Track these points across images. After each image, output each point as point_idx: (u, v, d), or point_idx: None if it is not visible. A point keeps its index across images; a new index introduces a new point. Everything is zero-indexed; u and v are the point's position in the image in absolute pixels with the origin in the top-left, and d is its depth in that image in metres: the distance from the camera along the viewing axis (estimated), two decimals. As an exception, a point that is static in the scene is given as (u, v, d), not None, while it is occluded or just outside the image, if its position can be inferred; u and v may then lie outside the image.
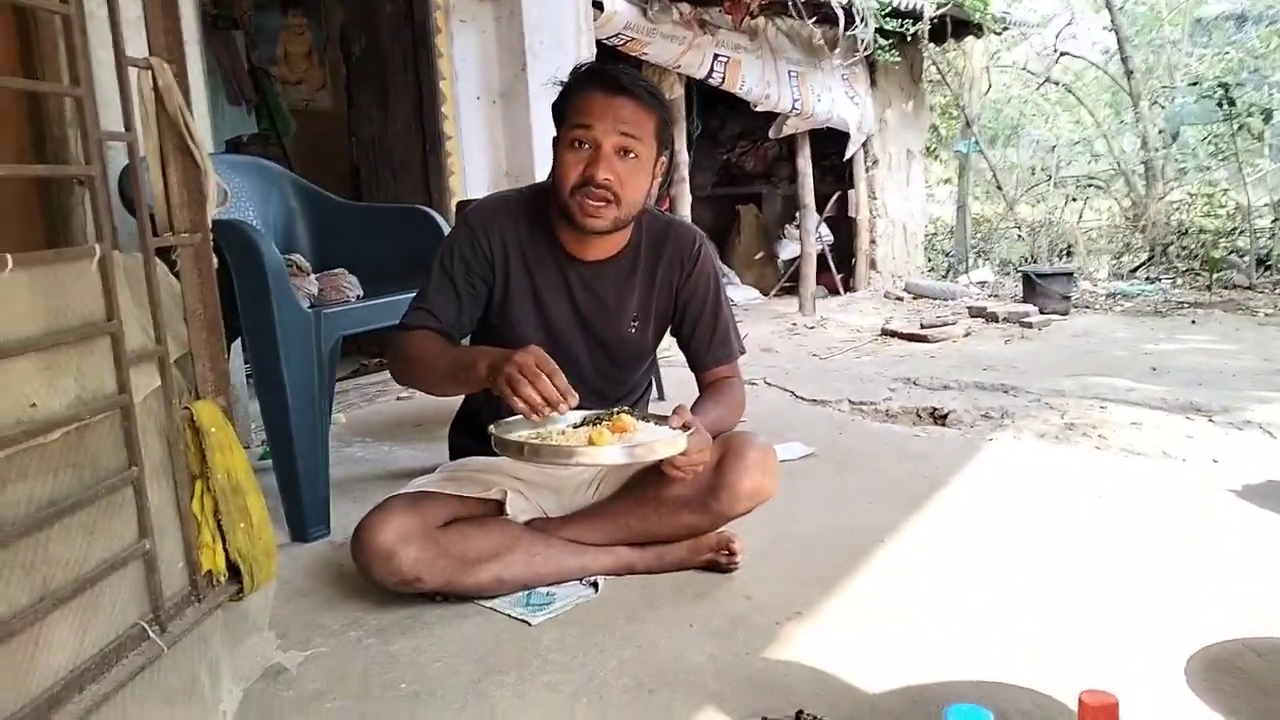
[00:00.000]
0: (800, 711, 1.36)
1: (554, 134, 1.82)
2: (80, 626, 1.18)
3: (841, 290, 7.69)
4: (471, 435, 2.02)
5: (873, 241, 7.81)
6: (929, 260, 9.02)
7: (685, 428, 1.65)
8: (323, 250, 2.85)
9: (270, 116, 6.06)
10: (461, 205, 2.47)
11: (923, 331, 5.50)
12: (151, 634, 1.28)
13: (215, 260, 1.51)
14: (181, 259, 1.46)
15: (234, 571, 1.45)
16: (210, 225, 1.50)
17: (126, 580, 1.28)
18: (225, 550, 1.43)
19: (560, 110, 1.80)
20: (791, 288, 7.34)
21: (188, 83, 1.47)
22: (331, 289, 2.47)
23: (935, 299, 7.31)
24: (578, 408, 1.79)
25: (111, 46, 1.29)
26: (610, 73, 1.78)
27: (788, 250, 7.66)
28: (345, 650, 1.65)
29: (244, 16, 5.94)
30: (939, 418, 3.35)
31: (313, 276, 2.47)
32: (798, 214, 7.08)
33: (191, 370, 1.46)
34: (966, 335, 5.59)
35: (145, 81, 1.41)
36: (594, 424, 1.67)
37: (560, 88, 1.82)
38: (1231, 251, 7.90)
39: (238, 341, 2.49)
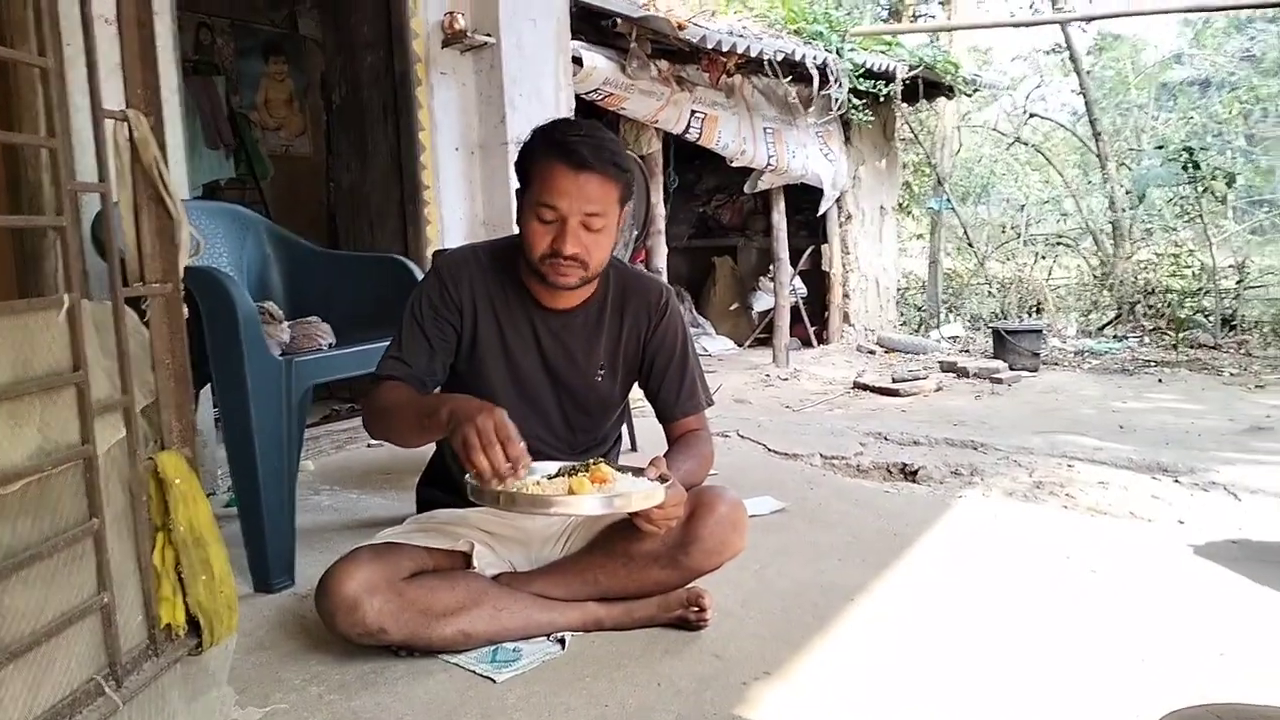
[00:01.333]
0: (766, 774, 1.35)
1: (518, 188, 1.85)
2: (33, 682, 1.16)
3: (815, 343, 7.76)
4: (440, 487, 2.02)
5: (846, 295, 7.89)
6: (901, 314, 9.13)
7: (662, 479, 1.66)
8: (296, 297, 2.85)
9: (249, 161, 6.08)
10: (438, 254, 2.47)
11: (894, 386, 5.55)
12: (107, 689, 1.26)
13: (185, 309, 1.50)
14: (152, 308, 1.46)
15: (194, 625, 1.43)
16: (182, 274, 1.50)
17: (83, 633, 1.26)
18: (185, 603, 1.41)
19: (524, 174, 1.80)
20: (765, 339, 7.39)
21: (164, 134, 1.48)
22: (304, 337, 2.46)
23: (907, 353, 7.39)
24: (547, 458, 1.80)
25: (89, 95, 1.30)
26: (574, 147, 1.72)
27: (762, 302, 7.73)
28: (306, 706, 1.62)
29: (226, 62, 5.99)
30: (909, 474, 3.37)
31: (285, 324, 2.46)
32: (772, 267, 7.16)
33: (158, 420, 1.45)
34: (937, 390, 5.64)
35: (121, 132, 1.42)
36: (570, 474, 1.67)
37: (520, 147, 1.83)
38: (1197, 311, 8.05)
39: (207, 386, 2.48)
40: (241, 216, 2.91)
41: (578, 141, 1.73)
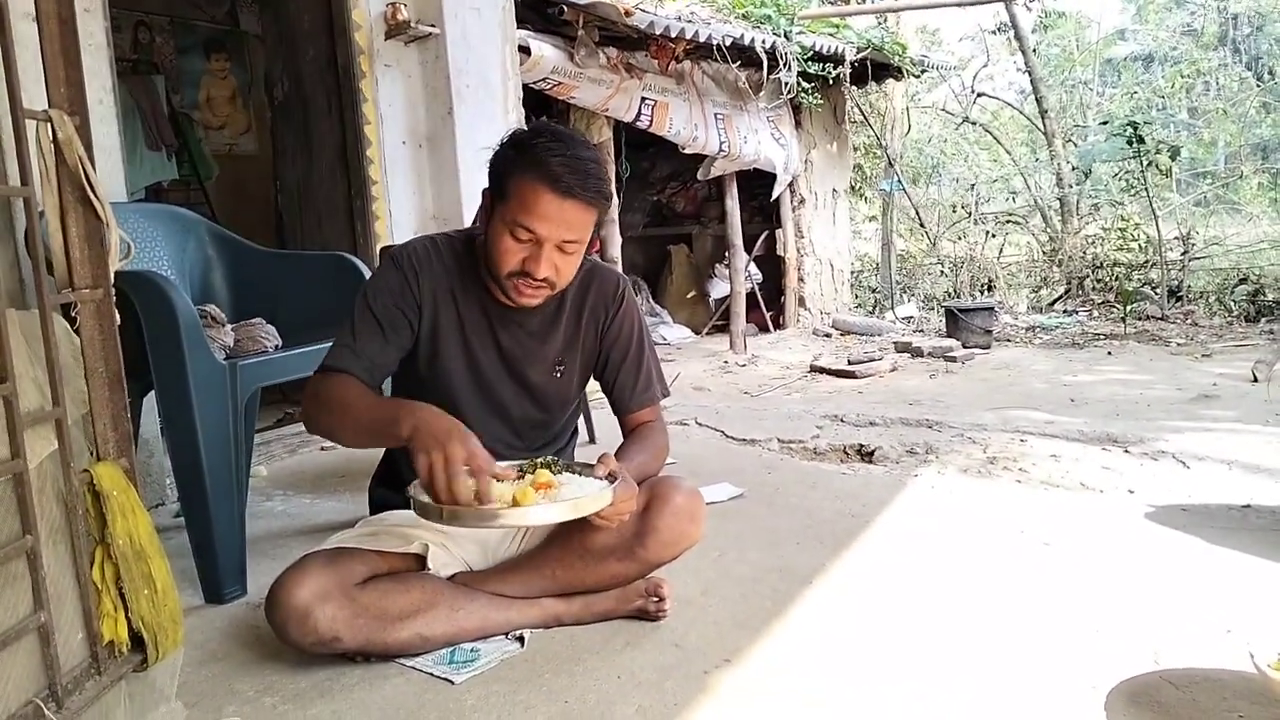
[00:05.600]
0: (726, 764, 1.34)
1: (485, 187, 1.77)
2: (-34, 708, 1.12)
3: (771, 328, 7.79)
4: (392, 488, 1.98)
5: (801, 279, 7.93)
6: (856, 297, 9.19)
7: (611, 477, 1.64)
8: (241, 299, 2.79)
9: (192, 162, 5.96)
10: (386, 250, 2.43)
11: (850, 368, 5.58)
12: (47, 712, 1.22)
13: (119, 314, 1.46)
14: (82, 315, 1.42)
15: (138, 640, 1.39)
16: (113, 279, 1.45)
17: (20, 654, 1.22)
18: (128, 619, 1.37)
19: (501, 184, 1.72)
20: (723, 326, 7.40)
21: (90, 134, 1.43)
22: (248, 339, 2.41)
23: (862, 335, 7.44)
24: (503, 456, 1.77)
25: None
26: (560, 174, 1.64)
27: (719, 289, 7.74)
28: (260, 718, 1.59)
29: (165, 61, 5.85)
30: (866, 455, 3.39)
31: (228, 327, 2.41)
32: (727, 253, 7.17)
33: (92, 431, 1.41)
34: (893, 371, 5.68)
35: (45, 134, 1.38)
36: (518, 476, 1.65)
37: (496, 152, 1.75)
38: (1144, 284, 8.19)
39: (150, 394, 2.42)
40: (182, 218, 2.85)
41: (563, 165, 1.65)
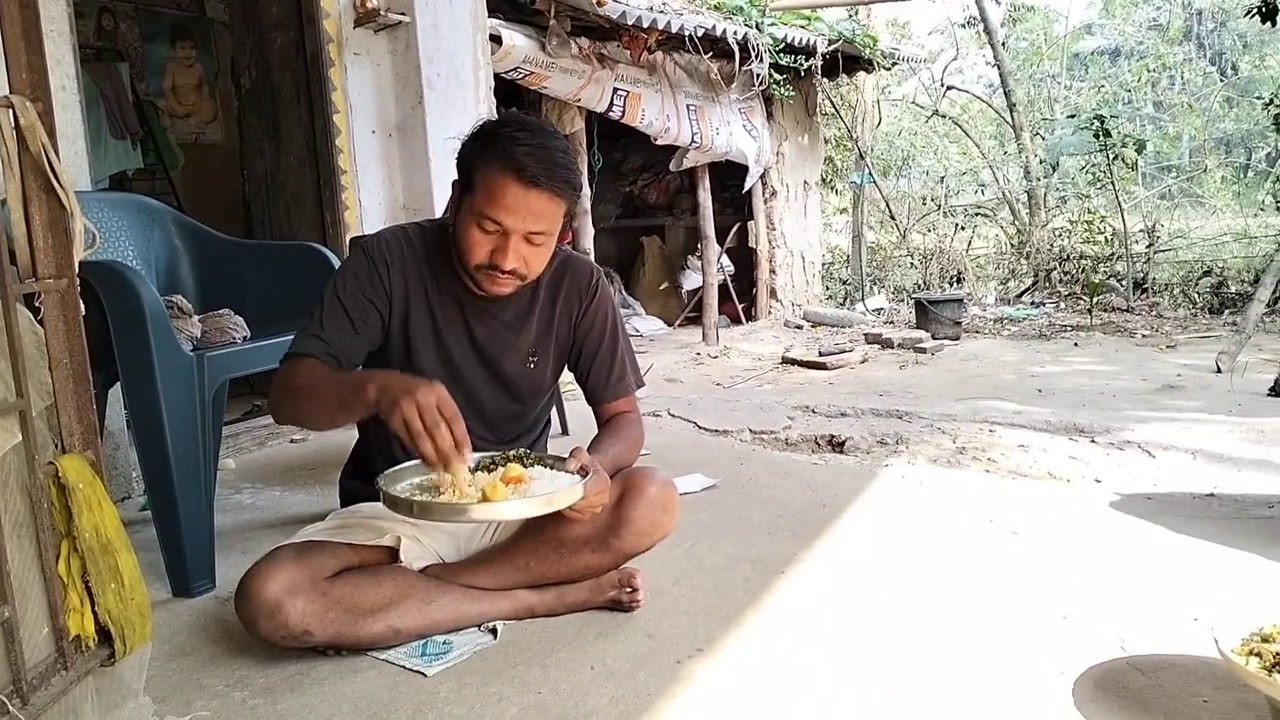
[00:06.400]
0: (700, 753, 1.35)
1: (455, 178, 1.77)
2: (-73, 705, 1.10)
3: (744, 319, 7.81)
4: (363, 479, 1.96)
5: (772, 271, 7.96)
6: (827, 289, 9.24)
7: (582, 471, 1.64)
8: (209, 290, 2.75)
9: (157, 150, 5.87)
10: (355, 241, 2.40)
11: (821, 359, 5.61)
12: (11, 708, 1.21)
13: (84, 305, 1.44)
14: (46, 305, 1.39)
15: (105, 635, 1.37)
16: (77, 268, 1.43)
17: (-17, 651, 1.20)
18: (95, 613, 1.35)
19: (467, 177, 1.71)
20: (695, 318, 7.42)
21: (53, 120, 1.41)
22: (216, 330, 2.38)
23: (833, 326, 7.49)
24: (477, 448, 1.77)
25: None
26: (524, 163, 1.64)
27: (691, 281, 7.75)
28: (229, 712, 1.58)
29: (129, 48, 5.76)
30: (837, 445, 3.41)
31: (195, 318, 2.38)
32: (700, 245, 7.18)
33: (57, 422, 1.38)
34: (863, 362, 5.72)
35: (6, 120, 1.35)
36: (490, 467, 1.64)
37: (463, 143, 1.74)
38: (1110, 276, 8.29)
39: (116, 386, 2.39)
40: (148, 207, 2.80)
41: (528, 155, 1.64)
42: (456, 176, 1.76)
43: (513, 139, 1.66)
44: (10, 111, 1.35)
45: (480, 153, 1.69)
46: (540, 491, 1.56)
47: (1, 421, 1.26)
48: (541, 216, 1.69)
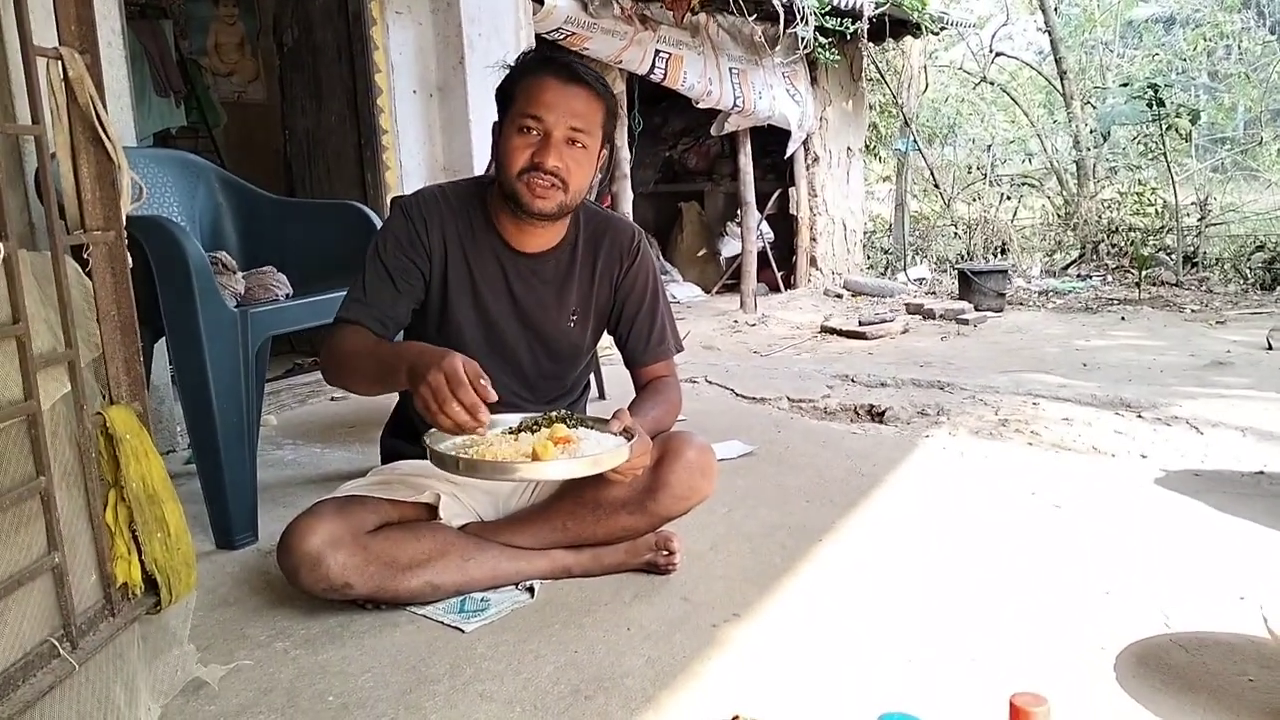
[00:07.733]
0: (736, 717, 1.35)
1: (495, 119, 1.81)
2: (-19, 646, 1.12)
3: (782, 287, 7.73)
4: (404, 438, 1.98)
5: (813, 239, 7.86)
6: (868, 258, 9.11)
7: (626, 433, 1.63)
8: (251, 247, 2.77)
9: (200, 109, 5.90)
10: (396, 200, 2.41)
11: (861, 329, 5.55)
12: (62, 651, 1.23)
13: (130, 259, 1.45)
14: (94, 257, 1.40)
15: (151, 583, 1.39)
16: (125, 221, 1.44)
17: (35, 595, 1.22)
18: (141, 561, 1.37)
19: (508, 94, 1.77)
20: (733, 285, 7.36)
21: (101, 73, 1.41)
22: (259, 287, 2.40)
23: (874, 296, 7.40)
24: (515, 408, 1.77)
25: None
26: (564, 61, 1.76)
27: (730, 248, 7.68)
28: (271, 662, 1.60)
29: (173, 5, 5.78)
30: (876, 415, 3.38)
31: (239, 274, 2.40)
32: (739, 211, 7.11)
33: (105, 374, 1.40)
34: (904, 332, 5.65)
35: (55, 72, 1.35)
36: (532, 428, 1.64)
37: (506, 71, 1.81)
38: (1160, 249, 8.10)
39: (161, 341, 2.41)
40: (192, 164, 2.82)
41: (566, 59, 1.78)
42: (497, 113, 1.81)
43: (547, 56, 1.80)
44: (59, 63, 1.35)
45: (519, 70, 1.78)
46: (588, 452, 1.56)
47: (51, 371, 1.27)
48: (580, 113, 1.73)
